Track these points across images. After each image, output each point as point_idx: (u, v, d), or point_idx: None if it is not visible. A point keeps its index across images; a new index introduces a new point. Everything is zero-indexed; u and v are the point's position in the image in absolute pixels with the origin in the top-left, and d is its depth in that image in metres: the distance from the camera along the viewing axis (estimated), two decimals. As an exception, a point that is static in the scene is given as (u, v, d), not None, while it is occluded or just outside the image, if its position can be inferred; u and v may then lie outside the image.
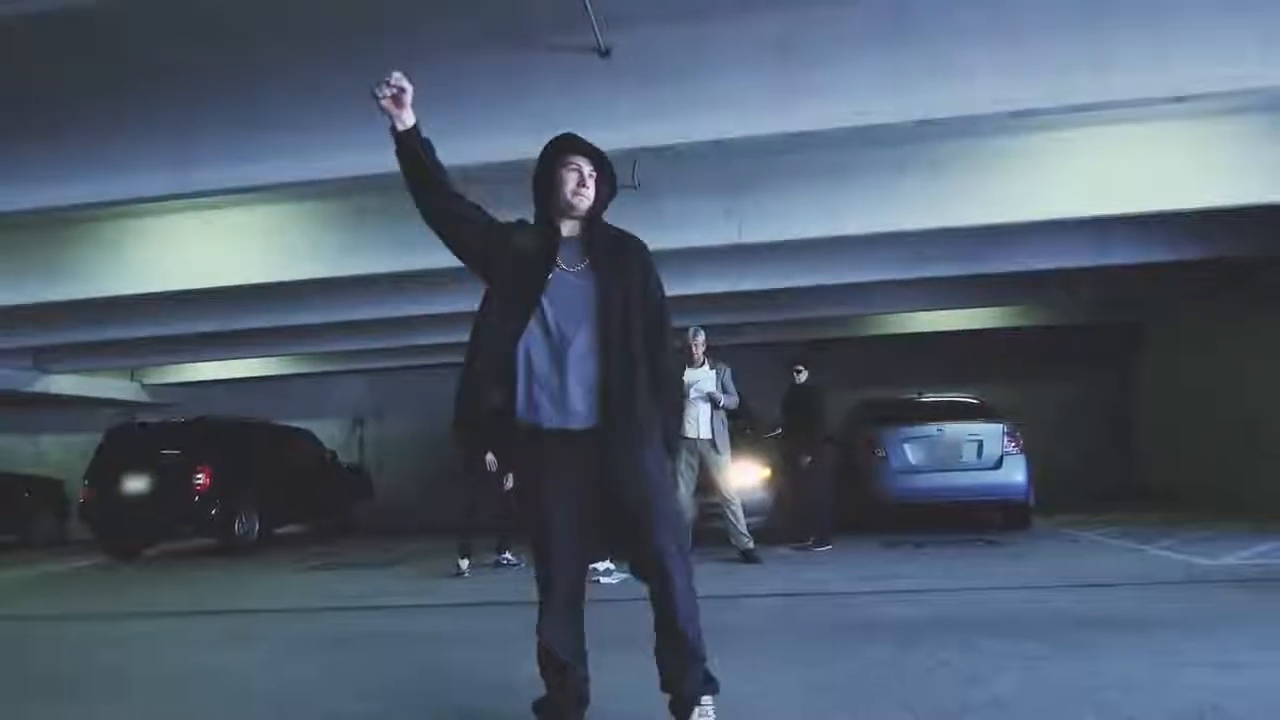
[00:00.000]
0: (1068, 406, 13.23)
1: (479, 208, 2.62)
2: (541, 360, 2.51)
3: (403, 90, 2.44)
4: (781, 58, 4.62)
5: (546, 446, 2.51)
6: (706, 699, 2.54)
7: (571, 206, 2.56)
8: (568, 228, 2.60)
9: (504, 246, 2.57)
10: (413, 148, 2.51)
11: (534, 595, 2.60)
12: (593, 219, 2.61)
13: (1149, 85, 4.40)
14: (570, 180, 2.55)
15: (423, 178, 2.54)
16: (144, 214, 7.24)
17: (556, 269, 2.54)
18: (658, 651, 2.55)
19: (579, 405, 2.49)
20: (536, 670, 2.58)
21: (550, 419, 2.50)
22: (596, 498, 2.52)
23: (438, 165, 2.56)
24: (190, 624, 5.63)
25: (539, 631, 2.56)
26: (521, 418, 2.52)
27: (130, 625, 5.62)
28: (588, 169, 2.57)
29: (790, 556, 7.39)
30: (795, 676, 3.39)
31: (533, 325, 2.51)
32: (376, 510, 13.46)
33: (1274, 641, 3.63)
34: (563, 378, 2.49)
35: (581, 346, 2.50)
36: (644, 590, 2.58)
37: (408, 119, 2.49)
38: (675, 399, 2.77)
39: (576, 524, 2.54)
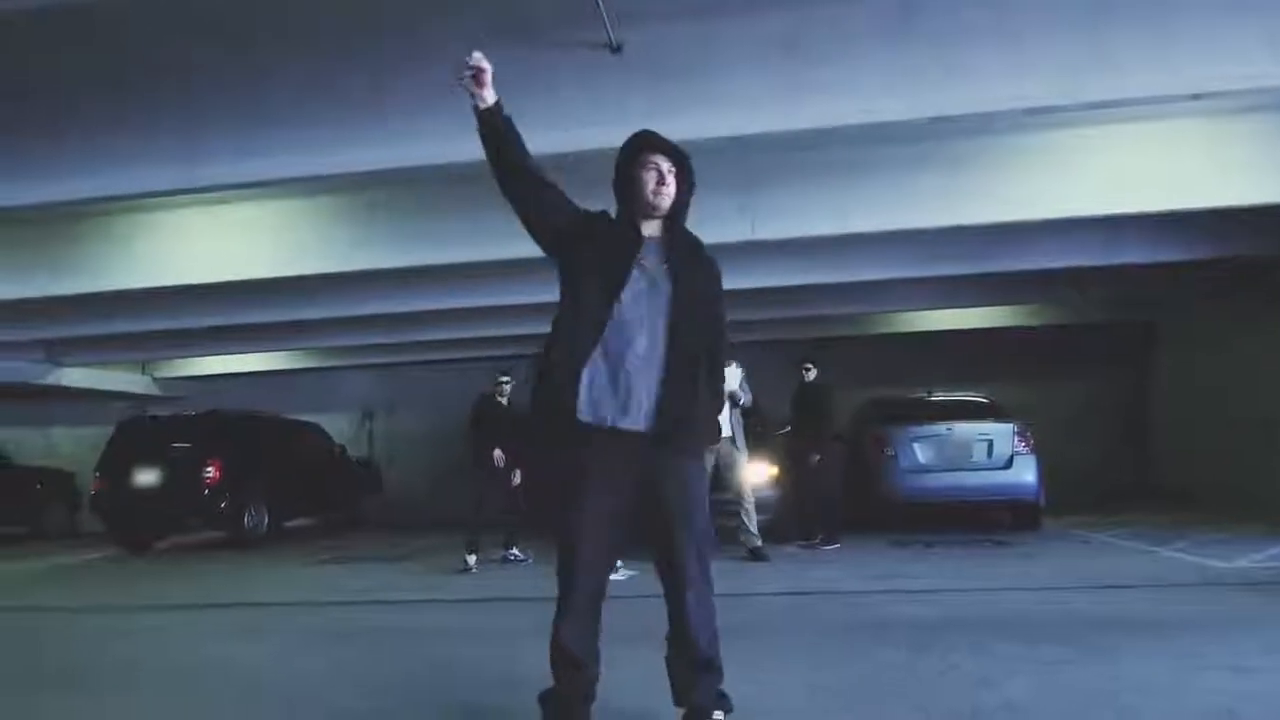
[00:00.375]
0: (1080, 406, 13.13)
1: (563, 193, 2.58)
2: (607, 357, 2.47)
3: (482, 70, 2.44)
4: (788, 55, 4.59)
5: (595, 443, 2.47)
6: (718, 715, 2.51)
7: (653, 206, 2.54)
8: (649, 228, 2.58)
9: (588, 236, 2.53)
10: (495, 125, 2.49)
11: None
12: (674, 219, 2.58)
13: (1156, 84, 4.36)
14: (649, 180, 2.53)
15: (506, 157, 2.51)
16: (153, 209, 7.26)
17: (638, 266, 2.51)
18: (669, 661, 2.53)
19: (638, 406, 2.46)
20: (545, 665, 2.57)
21: (609, 417, 2.46)
22: (634, 500, 2.50)
23: (521, 145, 2.52)
24: (200, 617, 5.66)
25: (556, 628, 2.52)
26: (581, 414, 2.47)
27: (140, 618, 5.65)
28: (666, 166, 2.55)
29: (798, 555, 7.37)
30: (804, 676, 3.37)
31: (596, 314, 2.48)
32: (385, 505, 13.50)
33: (1289, 646, 3.59)
34: (627, 377, 2.46)
35: (647, 348, 2.47)
36: (657, 588, 2.57)
37: (488, 96, 2.47)
38: (718, 413, 2.75)
39: (610, 524, 2.51)
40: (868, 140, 5.92)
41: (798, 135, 4.90)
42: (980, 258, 8.37)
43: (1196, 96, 4.50)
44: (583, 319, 2.49)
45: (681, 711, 2.54)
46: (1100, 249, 8.17)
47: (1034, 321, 12.32)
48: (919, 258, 8.45)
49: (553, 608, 2.57)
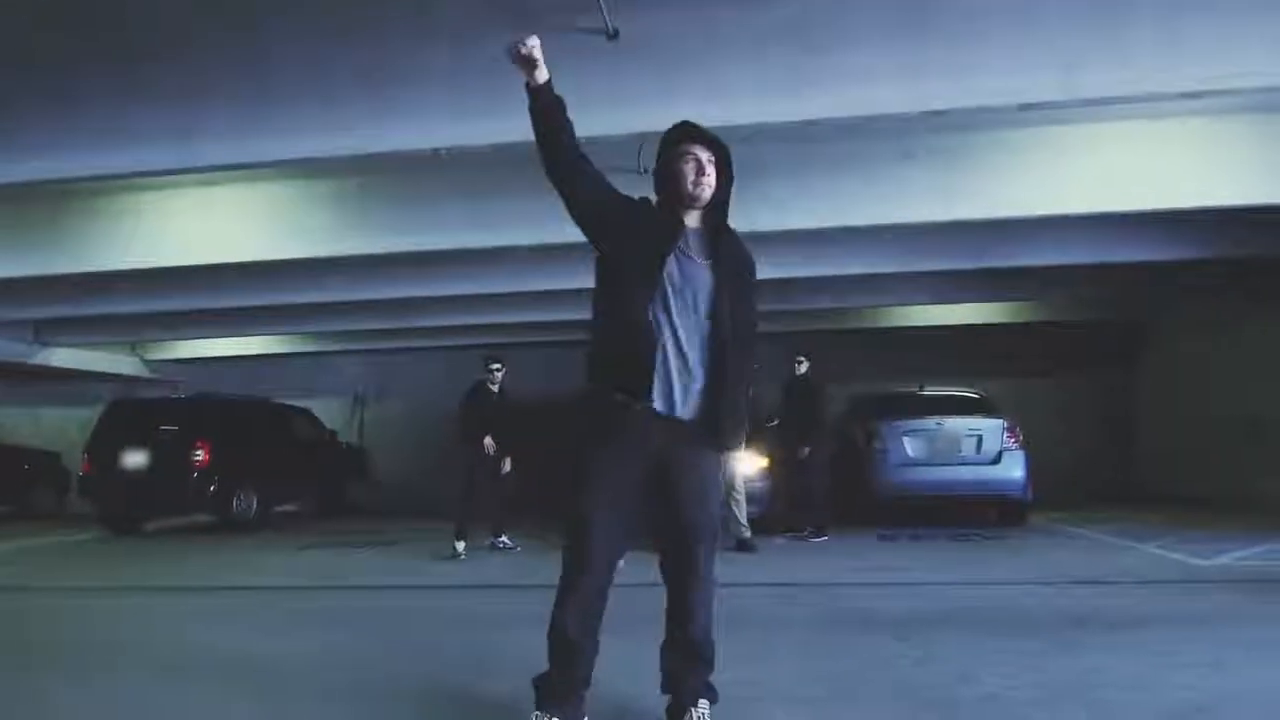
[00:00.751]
0: (1068, 403, 13.21)
1: (605, 178, 2.58)
2: (656, 345, 2.45)
3: (534, 49, 2.44)
4: (790, 45, 4.58)
5: (629, 425, 2.44)
6: (704, 703, 2.53)
7: (693, 198, 2.54)
8: (690, 219, 2.57)
9: (631, 222, 2.52)
10: (547, 102, 2.49)
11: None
12: (713, 210, 2.58)
13: (1162, 80, 4.35)
14: (689, 171, 2.52)
15: (554, 137, 2.50)
16: (146, 189, 7.20)
17: (679, 253, 2.51)
18: (663, 649, 2.54)
19: (676, 391, 2.46)
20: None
21: (661, 405, 2.45)
22: (653, 486, 2.49)
23: (569, 127, 2.52)
24: (186, 600, 5.65)
25: (558, 612, 2.47)
26: (651, 402, 2.45)
27: (127, 599, 5.64)
28: (705, 156, 2.54)
29: (786, 546, 7.41)
30: (790, 666, 3.40)
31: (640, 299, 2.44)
32: (375, 490, 13.49)
33: (1266, 642, 3.64)
34: (665, 361, 2.45)
35: (691, 334, 2.47)
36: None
37: (540, 75, 2.46)
38: (748, 408, 2.74)
39: (628, 510, 2.49)
40: (863, 134, 5.92)
41: (794, 127, 4.88)
42: (973, 254, 8.39)
43: (1194, 95, 4.51)
44: (632, 291, 2.46)
45: (667, 699, 2.56)
46: (1091, 247, 8.20)
47: (1024, 318, 12.37)
48: (912, 252, 8.46)
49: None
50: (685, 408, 2.46)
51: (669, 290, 2.47)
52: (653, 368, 2.43)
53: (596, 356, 2.53)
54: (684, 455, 2.47)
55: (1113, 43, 4.35)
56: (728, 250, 2.57)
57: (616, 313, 2.48)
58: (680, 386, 2.46)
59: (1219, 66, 4.30)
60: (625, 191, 2.64)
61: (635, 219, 2.53)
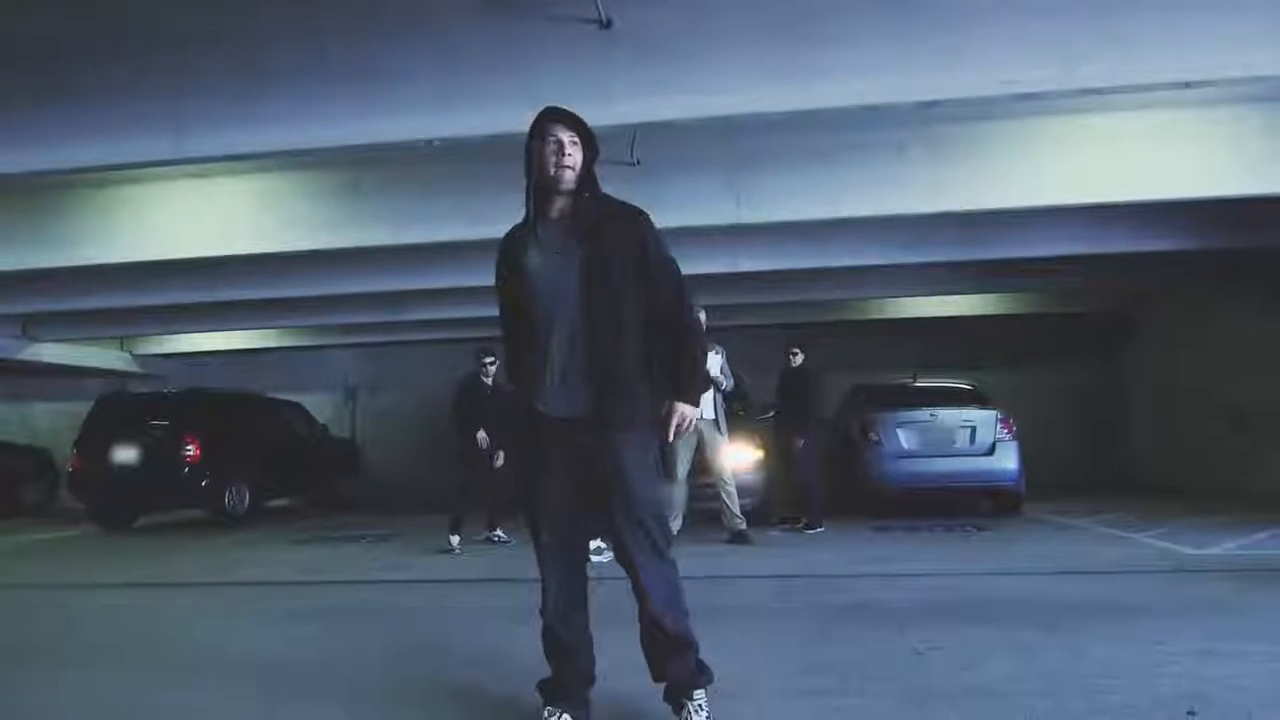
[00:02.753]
0: (1061, 394, 13.26)
1: (503, 288, 2.64)
2: (541, 347, 2.51)
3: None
4: (783, 35, 4.56)
5: (544, 429, 2.52)
6: (699, 693, 2.50)
7: (556, 179, 2.51)
8: (559, 205, 2.55)
9: (517, 271, 2.56)
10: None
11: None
12: (581, 189, 2.55)
13: (1159, 70, 4.35)
14: (550, 155, 2.50)
15: None
16: (136, 181, 7.13)
17: (537, 250, 2.53)
18: (641, 640, 2.53)
19: (561, 391, 2.49)
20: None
21: (543, 405, 2.50)
22: (578, 483, 2.51)
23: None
24: (179, 596, 5.62)
25: (542, 614, 2.54)
26: (537, 407, 2.52)
27: (118, 595, 5.60)
28: (567, 137, 2.51)
29: (781, 538, 7.41)
30: (786, 658, 3.39)
31: (530, 316, 2.53)
32: (368, 484, 13.45)
33: (1257, 631, 3.65)
34: (549, 364, 2.49)
35: (566, 331, 2.48)
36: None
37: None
38: (698, 352, 2.73)
39: (568, 510, 2.53)
40: (857, 124, 5.90)
41: (788, 117, 4.87)
42: (965, 244, 8.41)
43: (1188, 85, 4.51)
44: (514, 321, 2.58)
45: (664, 686, 2.55)
46: (1084, 238, 8.22)
47: (1018, 310, 12.40)
48: (904, 243, 8.47)
49: (536, 588, 2.57)
50: (574, 406, 2.48)
51: (536, 294, 2.51)
52: (540, 378, 2.51)
53: (511, 375, 2.65)
54: (590, 447, 2.48)
55: (1111, 32, 4.34)
56: (595, 225, 2.52)
57: (512, 329, 2.60)
58: (562, 388, 2.49)
59: (1217, 56, 4.30)
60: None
61: (515, 260, 2.57)
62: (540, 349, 2.50)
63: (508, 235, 2.65)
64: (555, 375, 2.49)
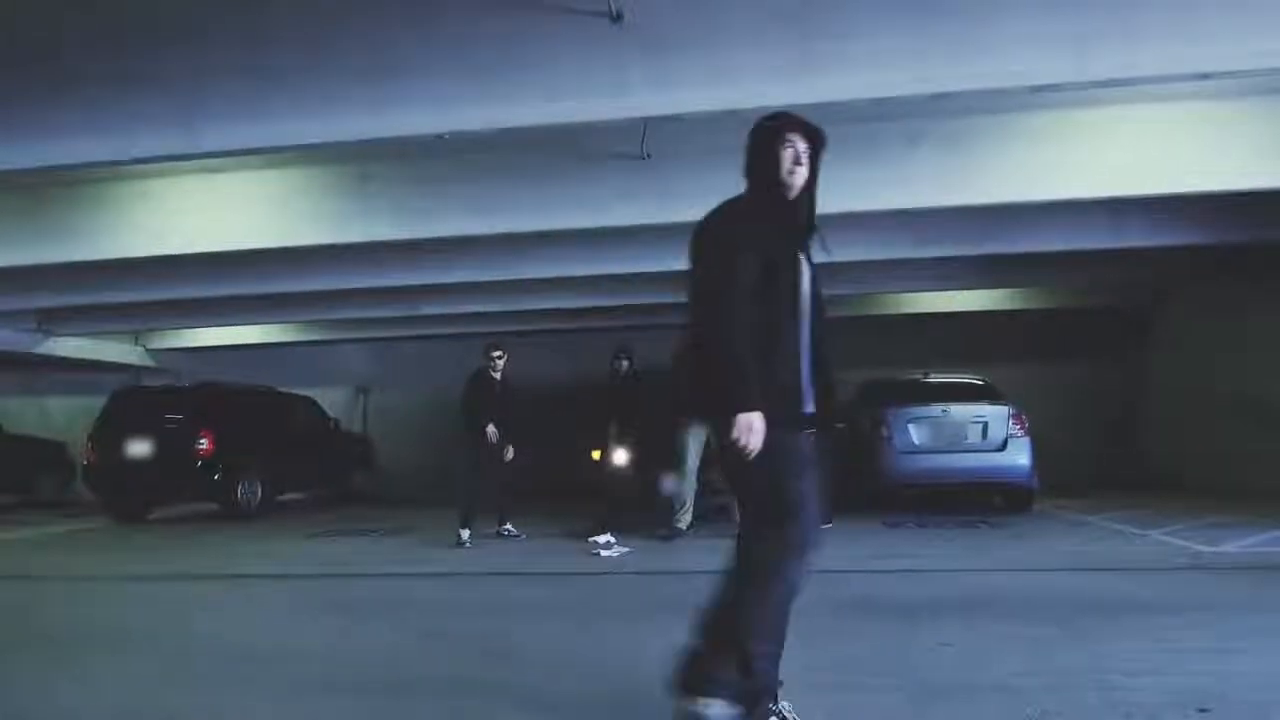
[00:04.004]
0: (1074, 390, 13.16)
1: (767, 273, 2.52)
2: (792, 346, 2.49)
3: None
4: (795, 28, 4.52)
5: (801, 427, 2.53)
6: (709, 702, 2.40)
7: (787, 186, 2.52)
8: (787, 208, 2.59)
9: (774, 254, 2.47)
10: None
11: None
12: (804, 199, 2.56)
13: (1175, 61, 4.29)
14: (786, 158, 2.51)
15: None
16: (149, 176, 7.18)
17: (794, 258, 2.52)
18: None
19: (808, 391, 2.52)
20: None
21: (802, 404, 2.52)
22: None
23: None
24: (193, 588, 5.66)
25: (756, 643, 2.53)
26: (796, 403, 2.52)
27: (132, 588, 5.65)
28: (802, 146, 2.54)
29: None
30: (799, 653, 3.37)
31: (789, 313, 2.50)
32: (379, 478, 13.51)
33: (1271, 628, 3.64)
34: (800, 363, 2.50)
35: (805, 331, 2.51)
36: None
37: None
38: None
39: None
40: (866, 118, 5.85)
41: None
42: (977, 239, 8.34)
43: (1205, 76, 4.45)
44: (785, 312, 2.47)
45: (679, 688, 2.48)
46: (1097, 232, 8.14)
47: (1030, 305, 12.31)
48: (916, 238, 8.41)
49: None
50: (811, 404, 2.55)
51: (798, 302, 2.48)
52: (799, 376, 2.52)
53: (774, 366, 2.47)
54: (812, 446, 2.56)
55: (1125, 24, 4.28)
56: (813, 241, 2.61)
57: (777, 323, 2.46)
58: (809, 388, 2.54)
59: (1231, 47, 4.24)
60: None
61: (770, 243, 2.47)
62: (794, 349, 2.48)
63: (744, 216, 2.52)
64: (805, 374, 2.51)
